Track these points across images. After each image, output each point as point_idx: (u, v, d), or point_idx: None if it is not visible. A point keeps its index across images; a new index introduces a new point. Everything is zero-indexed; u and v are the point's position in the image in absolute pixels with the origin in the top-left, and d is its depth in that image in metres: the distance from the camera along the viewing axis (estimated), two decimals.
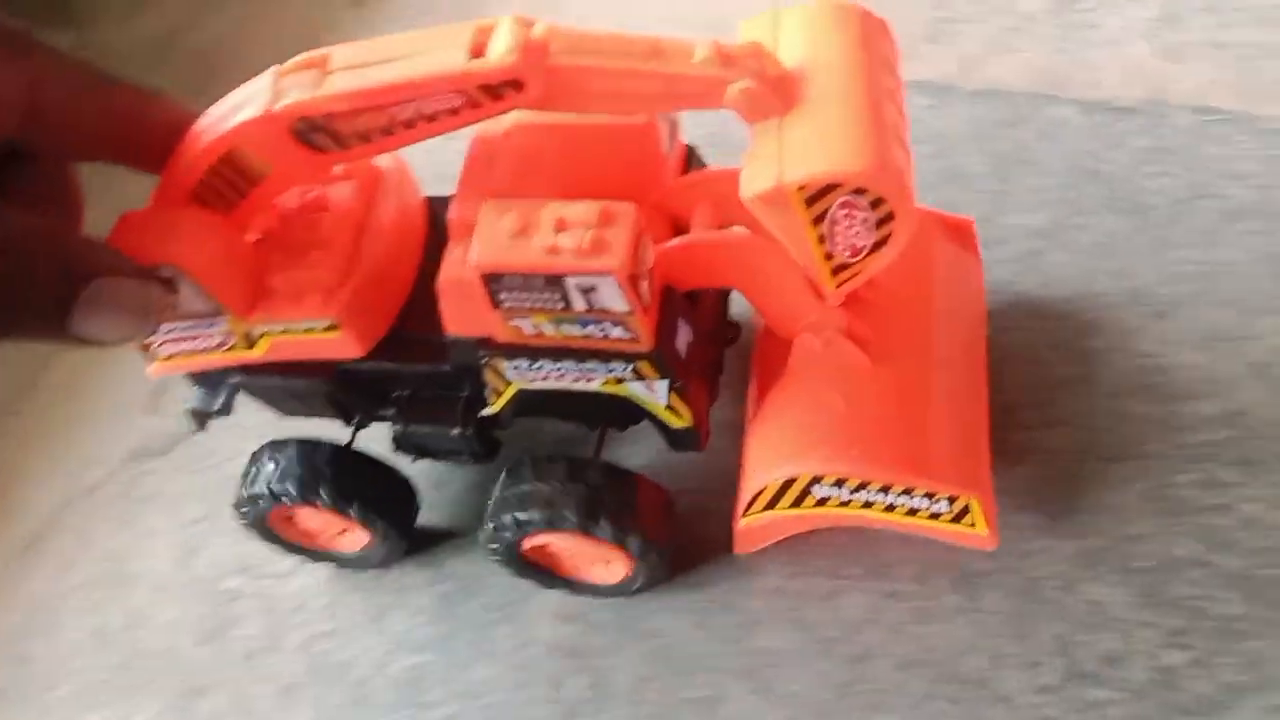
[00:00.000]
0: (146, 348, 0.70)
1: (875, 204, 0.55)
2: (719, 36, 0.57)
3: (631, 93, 0.57)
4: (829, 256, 0.58)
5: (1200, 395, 0.74)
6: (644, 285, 0.59)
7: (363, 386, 0.71)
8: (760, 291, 0.65)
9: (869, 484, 0.63)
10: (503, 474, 0.70)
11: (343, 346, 0.66)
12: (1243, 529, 0.69)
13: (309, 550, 0.79)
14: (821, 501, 0.65)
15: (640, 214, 0.58)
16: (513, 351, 0.63)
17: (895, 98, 0.58)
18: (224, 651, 0.82)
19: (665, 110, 0.63)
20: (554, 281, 0.57)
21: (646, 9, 1.09)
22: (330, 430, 0.76)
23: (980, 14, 1.00)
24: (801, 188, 0.54)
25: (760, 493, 0.66)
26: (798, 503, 0.66)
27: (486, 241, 0.58)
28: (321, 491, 0.72)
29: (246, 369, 0.70)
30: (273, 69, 0.61)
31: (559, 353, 0.62)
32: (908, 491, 0.63)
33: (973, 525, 0.65)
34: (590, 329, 0.60)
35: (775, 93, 0.56)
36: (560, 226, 0.57)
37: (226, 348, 0.68)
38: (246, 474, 0.75)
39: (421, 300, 0.69)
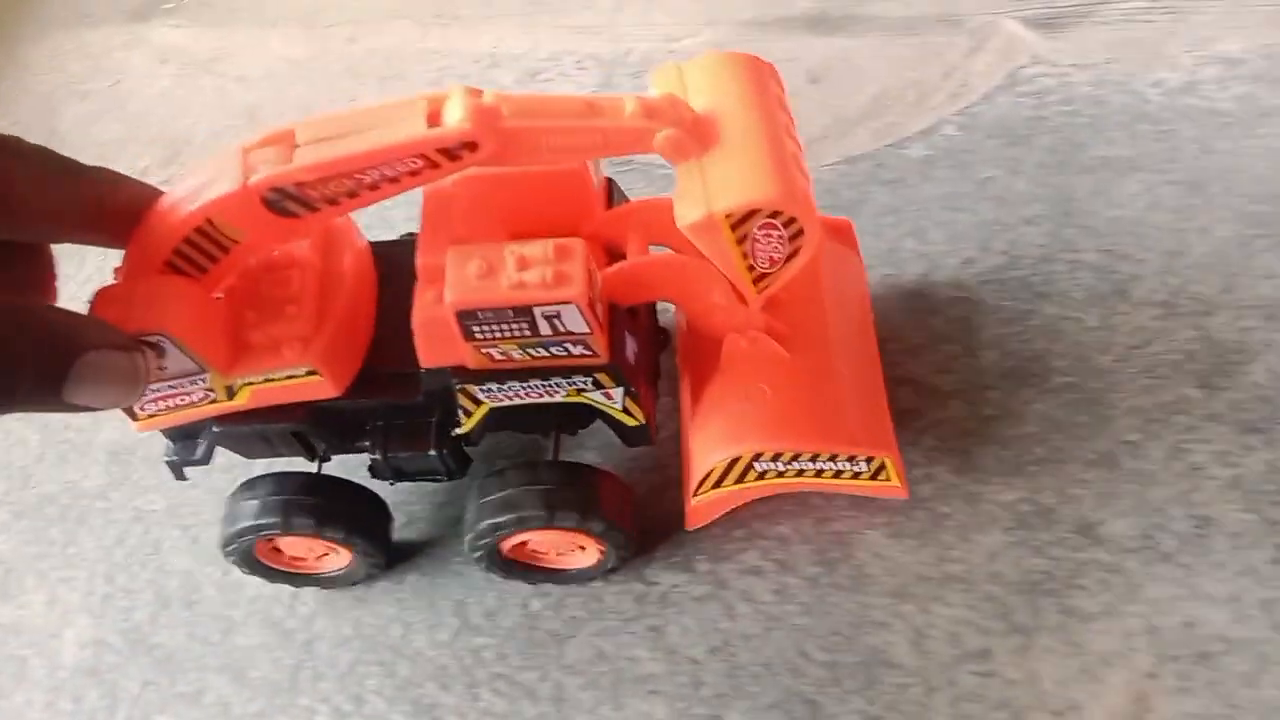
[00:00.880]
0: (129, 408, 0.75)
1: (788, 223, 0.66)
2: (642, 92, 0.67)
3: (573, 146, 0.66)
4: (751, 268, 0.69)
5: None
6: (598, 307, 0.68)
7: (339, 422, 0.78)
8: (692, 302, 0.75)
9: (800, 454, 0.75)
10: (474, 487, 0.79)
11: (322, 388, 0.73)
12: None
13: (297, 576, 0.85)
14: (762, 475, 0.76)
15: (587, 247, 0.67)
16: (484, 376, 0.72)
17: (790, 131, 0.69)
18: None
19: (601, 157, 0.72)
20: (523, 312, 0.66)
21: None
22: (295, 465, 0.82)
23: None
24: (728, 215, 0.65)
25: (709, 473, 0.76)
26: (741, 478, 0.77)
27: (458, 284, 0.66)
28: (302, 518, 0.78)
29: (226, 419, 0.76)
30: (238, 145, 0.67)
31: (526, 373, 0.71)
32: (833, 458, 0.75)
33: (888, 479, 0.77)
34: (554, 350, 0.69)
35: (693, 136, 0.66)
36: (522, 265, 0.66)
37: (209, 401, 0.74)
38: (227, 514, 0.81)
39: (385, 338, 0.77)
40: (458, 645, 0.85)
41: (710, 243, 0.67)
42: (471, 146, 0.65)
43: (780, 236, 0.67)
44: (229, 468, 0.86)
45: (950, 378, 0.89)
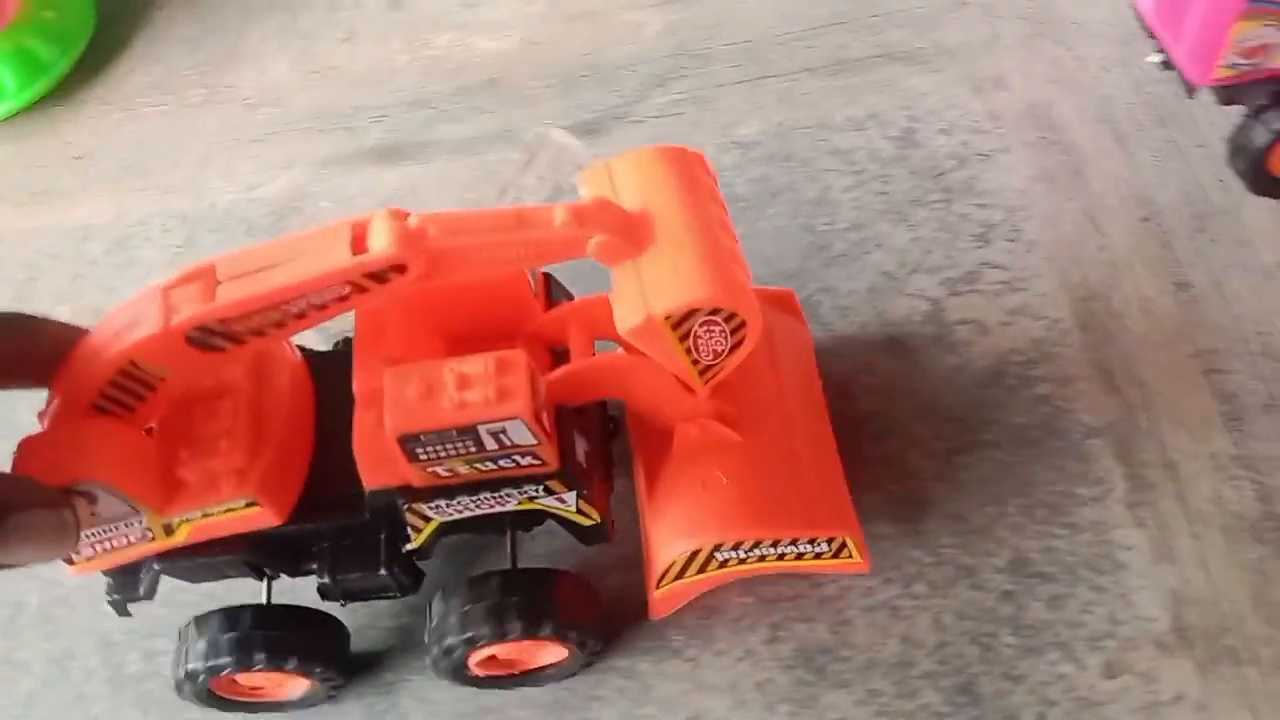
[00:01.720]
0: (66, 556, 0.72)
1: (729, 317, 0.66)
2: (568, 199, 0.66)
3: (504, 259, 0.65)
4: (696, 362, 0.69)
5: None
6: (544, 417, 0.67)
7: (283, 549, 0.75)
8: (639, 398, 0.74)
9: (761, 541, 0.74)
10: (434, 601, 0.77)
11: (263, 518, 0.71)
12: None
13: (260, 704, 0.83)
14: (723, 564, 0.76)
15: (528, 358, 0.66)
16: (431, 494, 0.70)
17: (724, 223, 0.69)
18: None
19: (536, 265, 0.71)
20: (467, 431, 0.65)
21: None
22: (244, 587, 0.80)
23: None
24: (668, 317, 0.64)
25: (670, 567, 0.75)
26: (703, 568, 0.76)
27: (398, 408, 0.65)
28: (255, 655, 0.76)
29: (167, 554, 0.73)
30: (155, 285, 0.65)
31: (475, 486, 0.70)
32: (794, 541, 0.74)
33: (850, 556, 0.77)
34: (502, 462, 0.68)
35: (626, 239, 0.65)
36: (463, 384, 0.65)
37: (147, 540, 0.72)
38: (178, 654, 0.78)
39: (324, 456, 0.75)
40: None
41: (652, 344, 0.66)
42: (400, 269, 0.63)
43: (722, 330, 0.66)
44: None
45: None
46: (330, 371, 0.78)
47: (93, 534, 0.70)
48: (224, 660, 0.75)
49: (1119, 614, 0.79)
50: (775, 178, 1.04)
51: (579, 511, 0.74)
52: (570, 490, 0.71)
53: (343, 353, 0.81)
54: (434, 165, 1.13)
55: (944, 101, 1.06)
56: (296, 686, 0.82)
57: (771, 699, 0.79)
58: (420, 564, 0.79)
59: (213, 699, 0.81)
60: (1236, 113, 0.93)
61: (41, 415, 0.68)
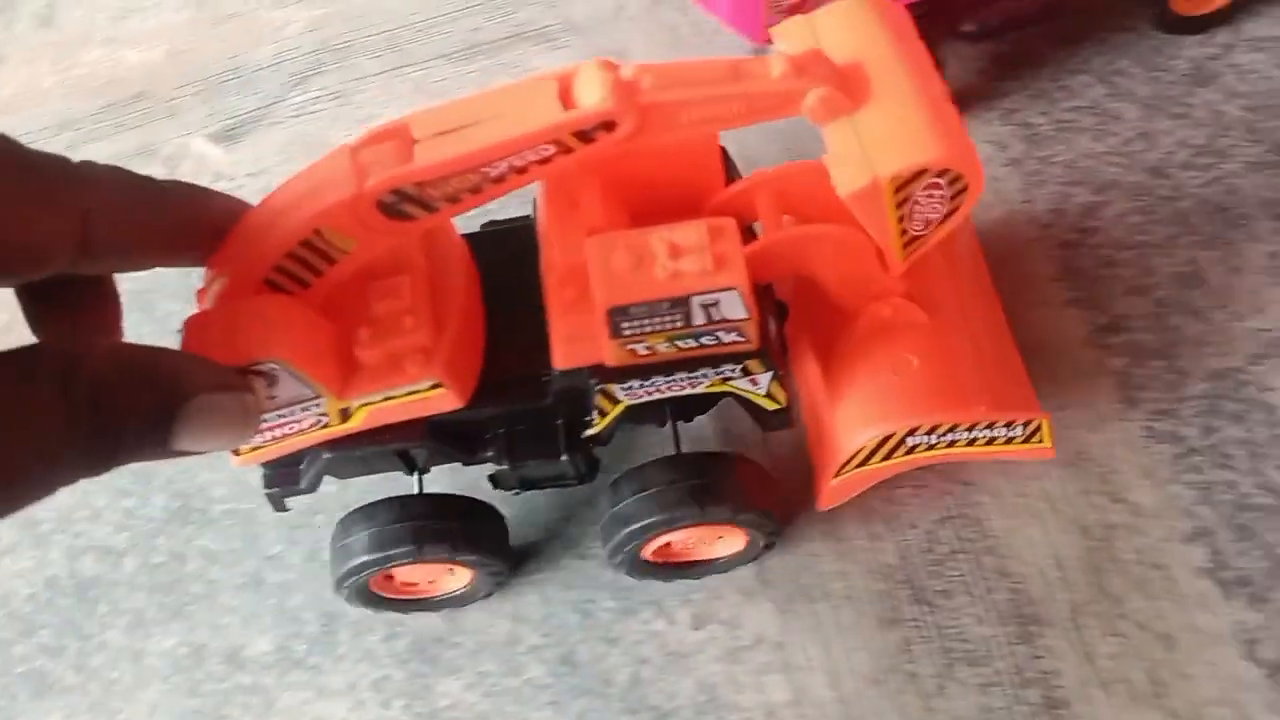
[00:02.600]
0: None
1: (953, 180, 0.62)
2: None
3: (713, 117, 0.61)
4: (904, 232, 0.65)
5: None
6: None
7: (459, 435, 0.72)
8: (836, 274, 0.71)
9: (957, 425, 0.71)
10: (609, 490, 0.74)
11: (445, 401, 0.68)
12: None
13: (413, 603, 0.81)
14: (912, 449, 0.73)
15: (738, 227, 0.63)
16: (626, 374, 0.67)
17: (937, 77, 0.64)
18: None
19: (745, 124, 0.67)
20: (679, 303, 0.62)
21: None
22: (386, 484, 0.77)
23: None
24: (894, 179, 0.60)
25: (856, 454, 0.73)
26: (890, 455, 0.73)
27: (608, 279, 0.62)
28: (429, 543, 0.74)
29: (338, 443, 0.70)
30: (343, 147, 0.61)
31: (671, 366, 0.67)
32: (989, 425, 0.72)
33: (1041, 441, 0.74)
34: (704, 340, 0.65)
35: (845, 93, 0.61)
36: (675, 253, 0.61)
37: (320, 427, 0.68)
38: (338, 550, 0.75)
39: (496, 340, 0.72)
40: None
41: (871, 209, 0.62)
42: (609, 126, 0.59)
43: (943, 196, 0.63)
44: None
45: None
46: (485, 253, 0.74)
47: (265, 421, 0.67)
48: (393, 549, 0.73)
49: None
50: None
51: (768, 395, 0.71)
52: (766, 371, 0.68)
53: (500, 233, 0.78)
54: None
55: None
56: (456, 580, 0.80)
57: (387, 695, 0.81)
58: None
59: (370, 598, 0.78)
60: None
61: (202, 293, 0.64)
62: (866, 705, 0.76)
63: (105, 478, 0.48)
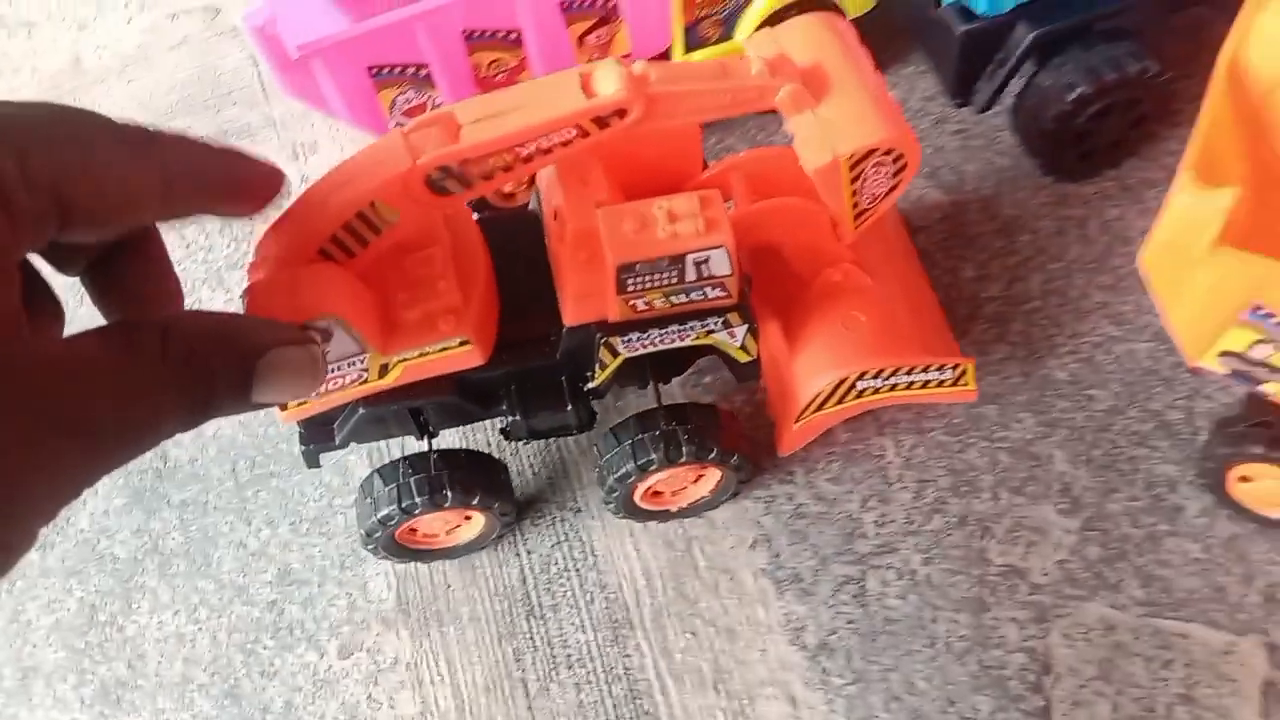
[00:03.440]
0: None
1: (896, 158, 0.77)
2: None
3: (707, 106, 0.75)
4: (856, 205, 0.80)
5: None
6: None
7: (477, 391, 0.83)
8: (797, 240, 0.85)
9: (898, 369, 0.86)
10: (602, 440, 0.86)
11: (470, 357, 0.79)
12: None
13: (433, 552, 0.90)
14: (861, 393, 0.88)
15: (719, 196, 0.77)
16: (626, 328, 0.79)
17: (879, 75, 0.80)
18: None
19: (728, 115, 0.81)
20: (676, 260, 0.75)
21: None
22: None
23: None
24: (851, 156, 0.75)
25: (815, 398, 0.87)
26: (843, 399, 0.88)
27: (617, 240, 0.74)
28: (448, 491, 0.84)
29: (373, 399, 0.80)
30: (397, 130, 0.72)
31: (665, 320, 0.80)
32: (925, 369, 0.87)
33: (966, 384, 0.90)
34: (694, 295, 0.78)
35: (809, 89, 0.76)
36: (672, 218, 0.75)
37: (361, 382, 0.78)
38: (364, 503, 0.85)
39: (506, 308, 0.83)
40: None
41: (831, 183, 0.77)
42: (621, 113, 0.73)
43: (887, 171, 0.78)
44: None
45: None
46: (496, 235, 0.86)
47: None
48: (418, 498, 0.83)
49: (357, 601, 0.96)
50: None
51: (742, 347, 0.84)
52: (744, 324, 0.82)
53: (504, 218, 0.90)
54: None
55: None
56: (471, 528, 0.90)
57: None
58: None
59: (396, 549, 0.88)
60: None
61: (254, 267, 0.74)
62: (481, 711, 0.90)
63: None
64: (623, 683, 0.90)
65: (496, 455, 0.93)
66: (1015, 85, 1.03)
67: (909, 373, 0.87)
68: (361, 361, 0.77)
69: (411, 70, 1.00)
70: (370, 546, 0.86)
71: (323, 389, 0.78)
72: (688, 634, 0.91)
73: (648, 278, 0.76)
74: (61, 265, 0.56)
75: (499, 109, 0.72)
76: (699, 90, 0.74)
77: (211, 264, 1.15)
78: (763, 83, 0.75)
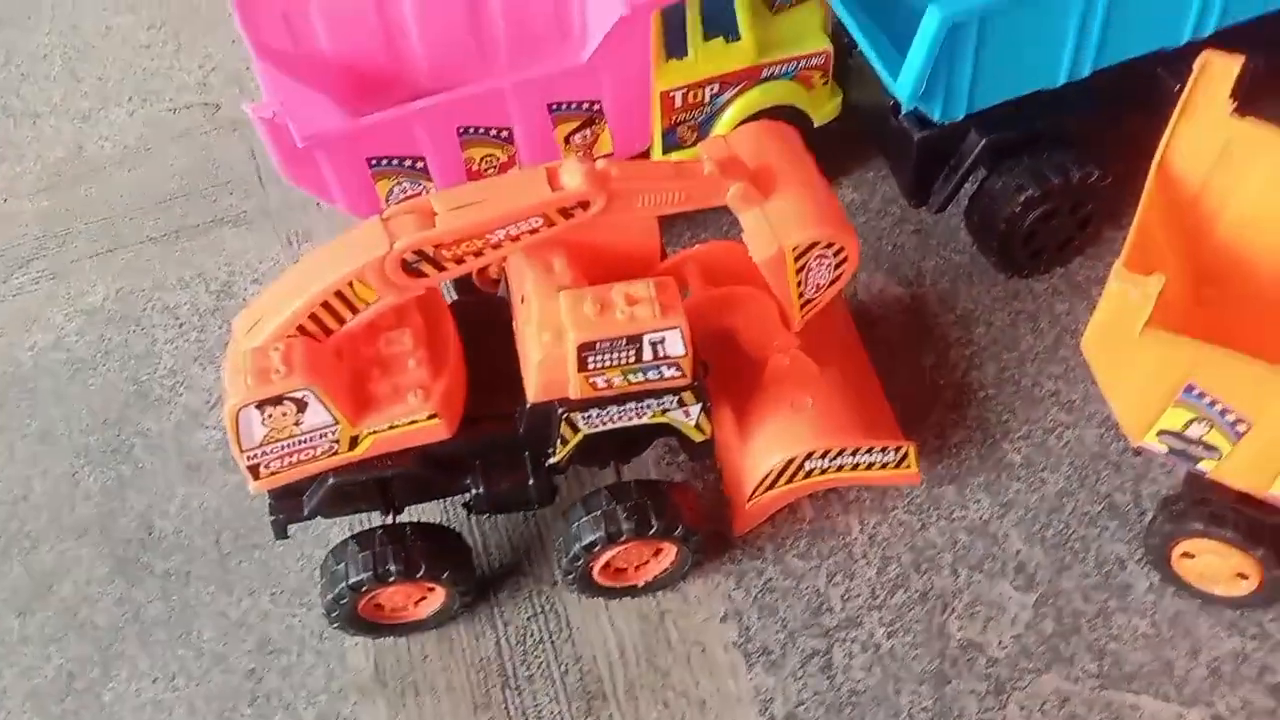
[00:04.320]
0: (253, 471, 0.83)
1: (837, 251, 0.84)
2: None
3: (662, 202, 0.83)
4: (801, 295, 0.87)
5: None
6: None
7: (441, 463, 0.89)
8: (749, 328, 0.92)
9: (844, 450, 0.92)
10: (562, 518, 0.92)
11: (437, 431, 0.85)
12: None
13: (397, 627, 0.95)
14: (809, 473, 0.93)
15: (675, 282, 0.83)
16: (586, 405, 0.85)
17: (821, 176, 0.88)
18: None
19: (683, 210, 0.88)
20: (634, 340, 0.81)
21: None
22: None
23: None
24: (795, 249, 0.82)
25: (767, 476, 0.92)
26: (792, 478, 0.93)
27: (579, 321, 0.81)
28: (418, 561, 0.89)
29: (342, 470, 0.86)
30: (376, 219, 0.79)
31: (623, 398, 0.86)
32: (869, 450, 0.93)
33: (909, 466, 0.95)
34: (650, 374, 0.84)
35: (757, 188, 0.84)
36: (630, 301, 0.81)
37: (332, 453, 0.84)
38: (326, 579, 0.90)
39: (474, 386, 0.89)
40: None
41: (777, 273, 0.85)
42: (584, 205, 0.80)
43: (829, 264, 0.85)
44: None
45: None
46: (466, 319, 0.92)
47: (285, 446, 0.83)
48: (382, 569, 0.87)
49: (335, 670, 0.99)
50: (112, 337, 1.24)
51: (697, 426, 0.90)
52: (698, 403, 0.88)
53: (474, 303, 0.97)
54: None
55: (259, 256, 1.31)
56: (432, 601, 0.94)
57: None
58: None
59: (359, 623, 0.92)
60: None
61: (233, 341, 0.81)
62: None
63: None
64: None
65: (457, 529, 0.97)
66: (969, 188, 1.11)
67: (854, 454, 0.93)
68: (333, 433, 0.83)
69: (409, 162, 1.08)
70: (334, 620, 0.91)
71: (294, 460, 0.84)
72: (660, 705, 0.95)
73: (607, 356, 0.82)
74: None
75: (472, 198, 0.80)
76: (655, 187, 0.82)
77: (204, 343, 1.21)
78: (714, 181, 0.83)
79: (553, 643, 0.99)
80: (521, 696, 0.96)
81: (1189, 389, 0.80)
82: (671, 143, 1.15)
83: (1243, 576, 0.91)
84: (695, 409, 0.89)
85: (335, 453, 0.85)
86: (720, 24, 1.09)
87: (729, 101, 1.12)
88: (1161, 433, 0.84)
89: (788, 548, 1.01)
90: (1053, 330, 1.13)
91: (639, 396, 0.86)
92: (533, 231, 0.81)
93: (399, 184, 1.11)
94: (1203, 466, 0.85)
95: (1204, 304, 0.94)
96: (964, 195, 1.12)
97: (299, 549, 1.03)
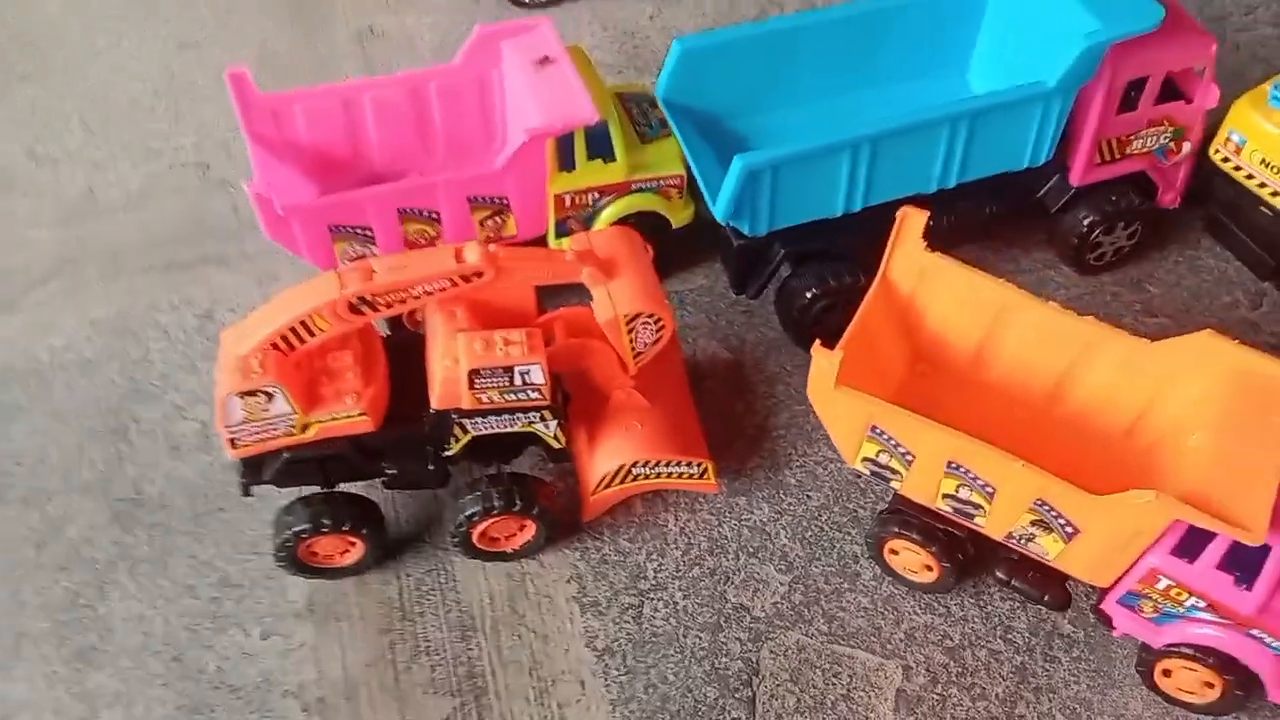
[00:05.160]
0: (231, 442, 1.19)
1: (657, 321, 1.23)
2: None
3: (536, 276, 1.21)
4: (633, 347, 1.25)
5: None
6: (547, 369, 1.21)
7: (366, 448, 1.25)
8: (599, 369, 1.30)
9: (662, 461, 1.30)
10: (456, 495, 1.28)
11: (365, 424, 1.22)
12: None
13: (327, 570, 1.30)
14: (635, 477, 1.31)
15: (539, 332, 1.22)
16: (474, 414, 1.22)
17: (653, 271, 1.27)
18: None
19: (552, 283, 1.26)
20: (508, 370, 1.19)
21: None
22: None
23: None
24: (625, 315, 1.21)
25: (605, 476, 1.30)
26: (624, 480, 1.31)
27: (470, 354, 1.18)
28: (345, 518, 1.24)
29: (296, 448, 1.22)
30: (332, 272, 1.17)
31: (500, 411, 1.23)
32: (680, 463, 1.31)
33: (709, 478, 1.33)
34: (520, 395, 1.22)
35: (604, 272, 1.22)
36: (507, 343, 1.19)
37: (290, 435, 1.20)
38: (280, 527, 1.25)
39: (394, 395, 1.26)
40: None
41: (614, 333, 1.24)
42: (479, 274, 1.18)
43: (652, 329, 1.24)
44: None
45: None
46: (391, 349, 1.29)
47: (257, 426, 1.18)
48: (325, 520, 1.23)
49: (278, 601, 1.33)
50: (115, 344, 1.61)
51: (554, 437, 1.27)
52: (555, 419, 1.26)
53: (398, 338, 1.34)
54: None
55: (236, 291, 1.68)
56: (353, 554, 1.29)
57: None
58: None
59: (298, 564, 1.27)
60: None
61: (222, 354, 1.17)
62: (359, 679, 1.29)
63: None
64: (465, 666, 1.30)
65: (377, 502, 1.33)
66: (775, 284, 1.51)
67: (669, 465, 1.31)
68: (291, 420, 1.19)
69: (360, 231, 1.46)
70: (281, 559, 1.26)
71: (263, 437, 1.20)
72: (514, 637, 1.32)
73: (489, 379, 1.20)
74: None
75: (401, 264, 1.17)
76: (531, 266, 1.21)
77: (189, 355, 1.56)
78: (574, 265, 1.22)
79: (441, 589, 1.35)
80: (414, 625, 1.33)
81: (874, 428, 1.19)
82: (562, 231, 1.54)
83: (929, 568, 1.30)
84: (553, 423, 1.26)
85: (291, 434, 1.21)
86: (600, 148, 1.50)
87: (605, 205, 1.53)
88: (864, 459, 1.24)
89: (620, 533, 1.39)
90: None
91: (511, 410, 1.24)
92: (443, 290, 1.19)
93: (351, 246, 1.49)
94: (894, 485, 1.25)
95: (919, 375, 1.35)
96: (772, 288, 1.53)
97: (255, 514, 1.38)
